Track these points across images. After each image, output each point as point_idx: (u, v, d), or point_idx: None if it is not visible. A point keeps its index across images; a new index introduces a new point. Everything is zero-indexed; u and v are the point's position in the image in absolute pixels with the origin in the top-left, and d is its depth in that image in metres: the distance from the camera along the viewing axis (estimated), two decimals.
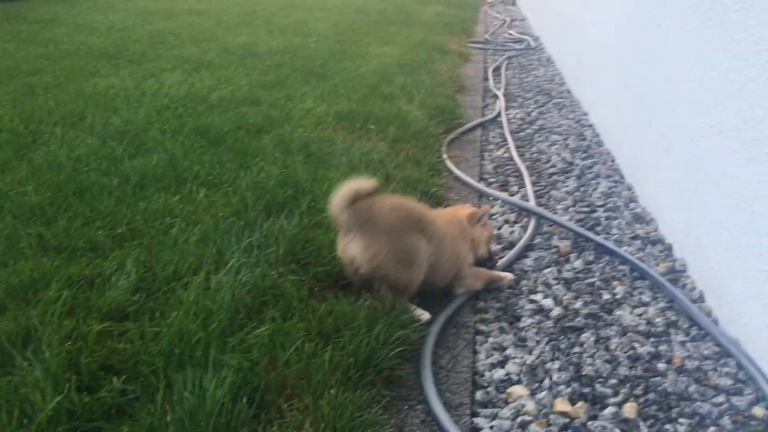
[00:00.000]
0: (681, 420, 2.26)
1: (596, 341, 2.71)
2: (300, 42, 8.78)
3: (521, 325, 2.84)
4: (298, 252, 3.01)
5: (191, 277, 2.73)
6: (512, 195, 4.23)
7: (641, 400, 2.36)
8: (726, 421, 2.24)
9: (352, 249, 2.66)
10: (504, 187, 4.40)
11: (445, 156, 4.74)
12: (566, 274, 3.24)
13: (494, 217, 3.91)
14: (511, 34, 11.53)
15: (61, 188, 3.46)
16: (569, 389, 2.41)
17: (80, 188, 3.51)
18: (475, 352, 2.66)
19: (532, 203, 4.01)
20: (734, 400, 2.35)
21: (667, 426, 2.23)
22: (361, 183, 2.63)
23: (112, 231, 3.09)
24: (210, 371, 2.14)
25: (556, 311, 2.90)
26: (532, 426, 2.23)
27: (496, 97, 6.82)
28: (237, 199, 3.46)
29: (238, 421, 2.01)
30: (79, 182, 3.56)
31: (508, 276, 3.09)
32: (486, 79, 7.74)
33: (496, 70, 8.27)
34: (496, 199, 4.15)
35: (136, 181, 3.63)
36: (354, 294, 2.80)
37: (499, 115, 6.07)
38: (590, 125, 5.79)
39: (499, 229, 3.75)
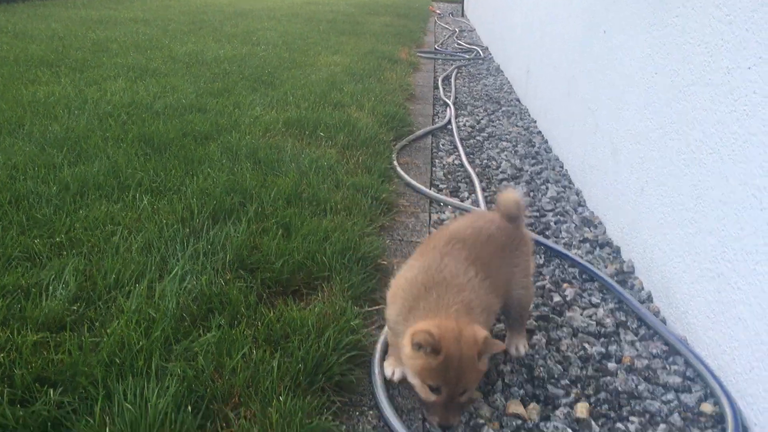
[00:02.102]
0: (632, 418, 2.26)
1: (547, 343, 2.71)
2: (248, 50, 8.68)
3: None
4: (245, 258, 2.93)
5: (133, 286, 2.63)
6: (463, 201, 4.23)
7: (592, 399, 2.36)
8: (676, 418, 2.26)
9: None
10: (455, 193, 4.40)
11: (395, 162, 4.72)
12: None
13: (444, 223, 3.90)
14: (460, 44, 11.64)
15: None
16: (522, 391, 2.39)
17: (16, 196, 3.36)
18: None
19: (482, 209, 4.01)
20: (683, 397, 2.37)
21: (619, 424, 2.23)
22: None
23: (50, 240, 2.97)
24: (152, 380, 2.05)
25: None
26: (485, 429, 2.20)
27: (446, 105, 6.85)
28: (182, 207, 3.36)
29: (183, 431, 1.93)
30: (15, 190, 3.41)
31: None
32: (436, 88, 7.77)
33: (446, 79, 8.32)
34: (446, 204, 4.14)
35: (76, 189, 3.50)
36: (303, 300, 2.75)
37: (449, 122, 6.09)
38: (539, 132, 5.86)
39: None
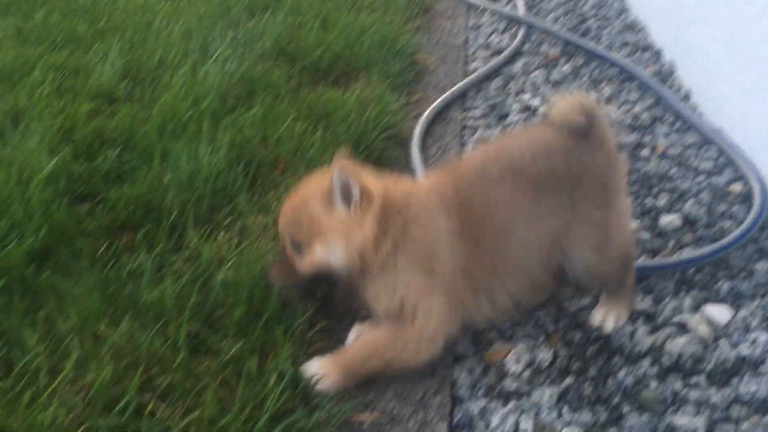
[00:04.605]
0: (661, 195, 2.34)
1: None
2: None
3: (508, 121, 2.86)
4: (284, 47, 2.95)
5: (177, 67, 2.68)
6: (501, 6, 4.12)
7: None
8: (704, 195, 2.33)
9: None
10: None
11: None
12: (555, 77, 3.23)
13: (482, 27, 3.83)
14: None
15: None
16: None
17: None
18: (463, 145, 2.69)
19: (521, 13, 3.92)
20: (714, 179, 2.43)
21: (648, 200, 2.32)
22: None
23: (92, 25, 3.00)
24: (204, 143, 2.15)
25: (543, 109, 2.91)
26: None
27: None
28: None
29: (235, 187, 2.05)
30: None
31: None
32: None
33: None
34: (484, 9, 4.05)
35: None
36: (342, 88, 2.79)
37: None
38: None
39: (488, 38, 3.68)
